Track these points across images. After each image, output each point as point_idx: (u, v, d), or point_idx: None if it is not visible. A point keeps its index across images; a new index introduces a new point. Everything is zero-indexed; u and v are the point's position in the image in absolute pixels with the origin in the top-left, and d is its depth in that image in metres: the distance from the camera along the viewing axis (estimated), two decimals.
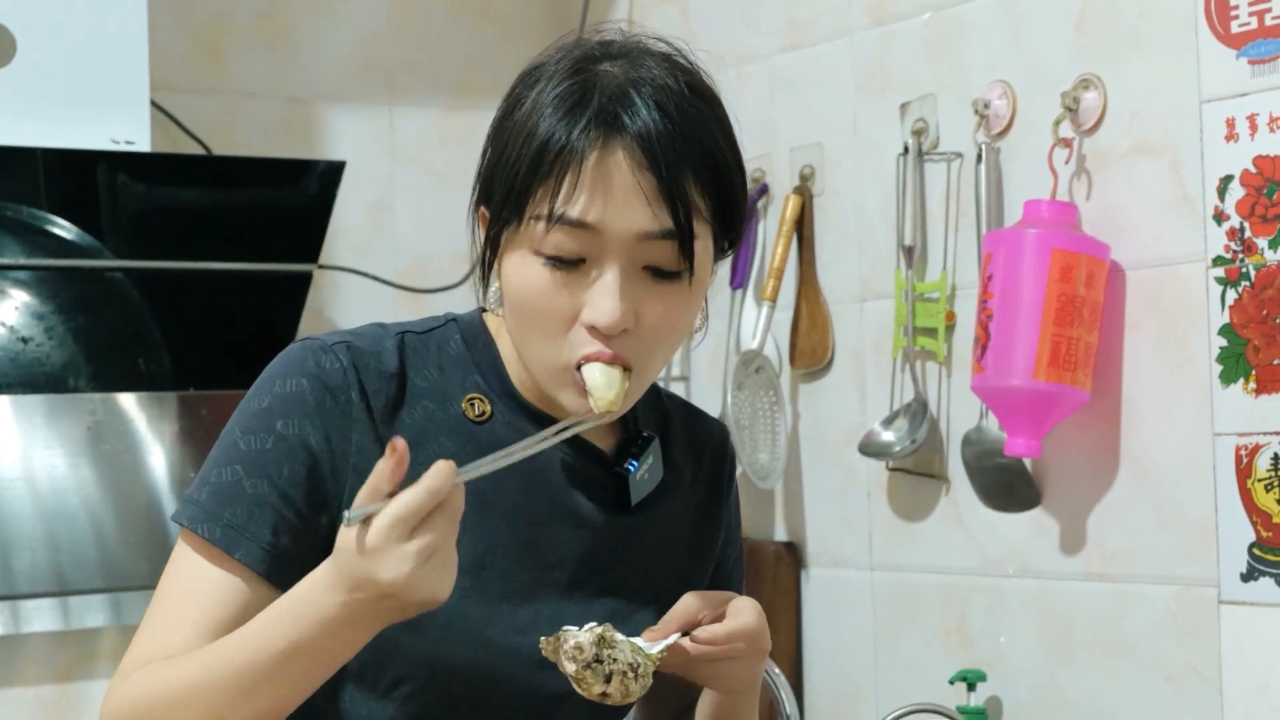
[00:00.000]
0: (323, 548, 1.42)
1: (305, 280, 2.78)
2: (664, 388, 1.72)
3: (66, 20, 2.60)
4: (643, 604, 1.57)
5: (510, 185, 1.46)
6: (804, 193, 2.76)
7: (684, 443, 1.67)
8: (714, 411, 2.78)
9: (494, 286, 1.52)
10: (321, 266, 2.87)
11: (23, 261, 2.63)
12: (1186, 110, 2.23)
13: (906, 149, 2.58)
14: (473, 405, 1.53)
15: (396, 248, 3.12)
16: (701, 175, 1.46)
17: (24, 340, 2.64)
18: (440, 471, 1.29)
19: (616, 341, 1.45)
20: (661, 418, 1.67)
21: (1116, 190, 2.32)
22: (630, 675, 1.42)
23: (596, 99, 1.44)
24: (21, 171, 2.61)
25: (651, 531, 1.60)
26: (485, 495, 1.50)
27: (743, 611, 1.52)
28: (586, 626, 1.43)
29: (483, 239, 1.51)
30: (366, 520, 1.29)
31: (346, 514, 1.30)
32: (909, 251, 2.56)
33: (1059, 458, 2.38)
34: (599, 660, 1.41)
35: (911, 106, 2.60)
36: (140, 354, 2.76)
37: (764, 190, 2.83)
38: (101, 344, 2.73)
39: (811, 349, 2.76)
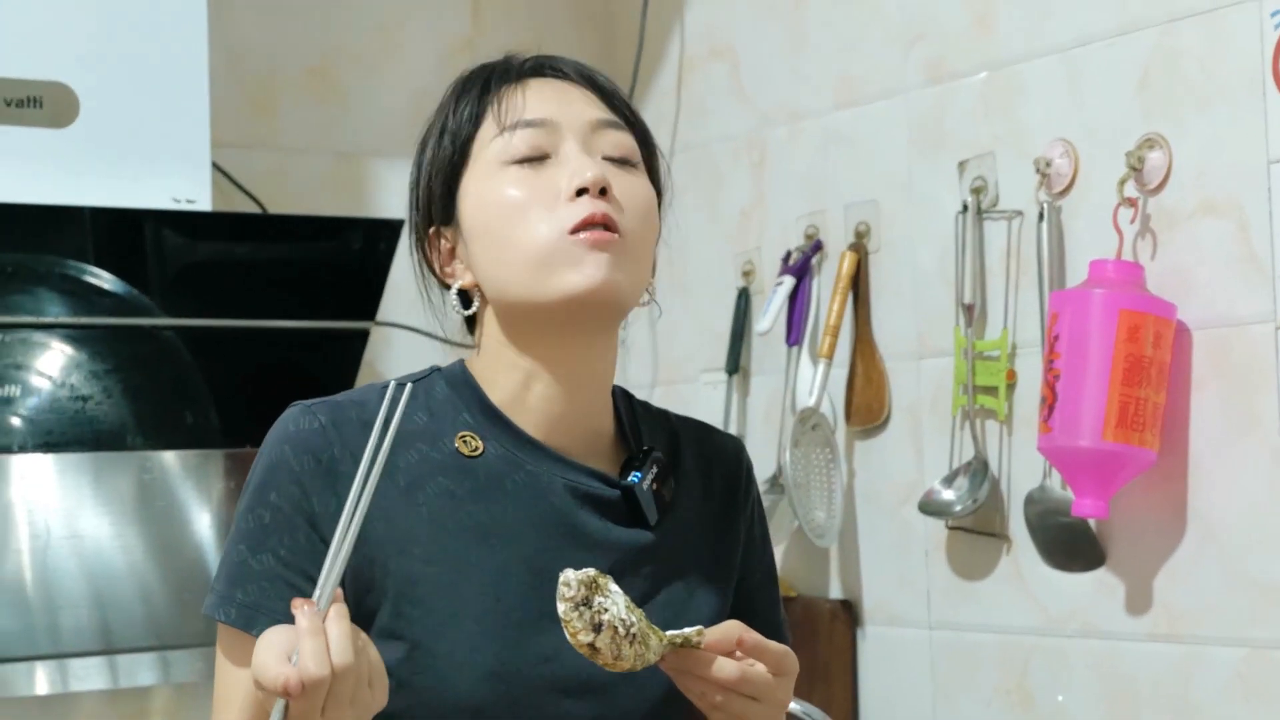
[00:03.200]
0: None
1: (363, 337, 2.78)
2: (674, 413, 1.72)
3: (128, 81, 2.62)
4: (662, 618, 1.55)
5: (451, 147, 1.56)
6: (859, 249, 2.76)
7: (695, 457, 1.67)
8: (770, 469, 2.77)
9: (453, 299, 1.59)
10: (378, 323, 2.87)
11: (69, 320, 2.63)
12: (1254, 169, 2.23)
13: (965, 207, 2.57)
14: (466, 442, 1.55)
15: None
16: (623, 108, 1.61)
17: (84, 399, 2.63)
18: (310, 652, 1.29)
19: (603, 204, 1.51)
20: (670, 438, 1.67)
21: (1183, 250, 2.31)
22: (623, 634, 1.39)
23: (509, 59, 1.61)
24: (72, 229, 2.61)
25: (666, 546, 1.59)
26: (486, 528, 1.52)
27: (779, 646, 1.49)
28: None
29: (421, 201, 1.60)
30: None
31: None
32: (969, 309, 2.55)
33: (1124, 517, 2.37)
34: (587, 604, 1.39)
35: (970, 164, 2.59)
36: (189, 409, 2.75)
37: (818, 247, 2.82)
38: (152, 401, 2.72)
39: (867, 406, 2.75)
